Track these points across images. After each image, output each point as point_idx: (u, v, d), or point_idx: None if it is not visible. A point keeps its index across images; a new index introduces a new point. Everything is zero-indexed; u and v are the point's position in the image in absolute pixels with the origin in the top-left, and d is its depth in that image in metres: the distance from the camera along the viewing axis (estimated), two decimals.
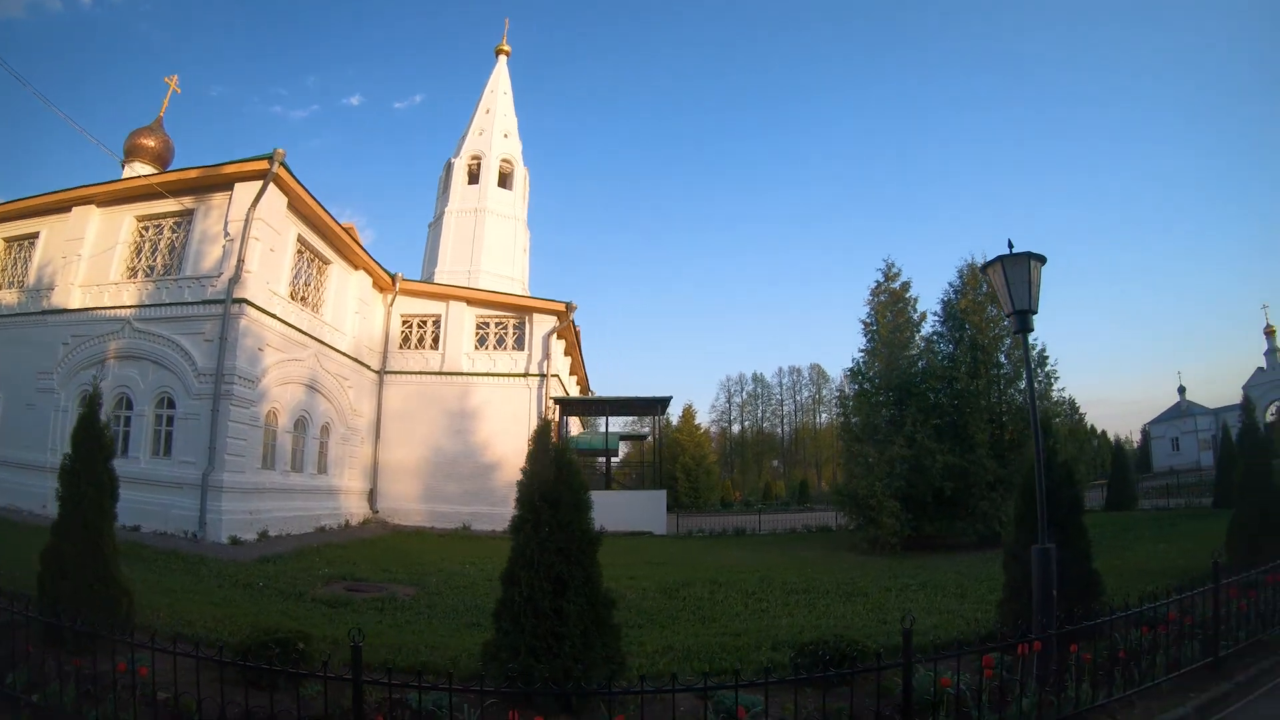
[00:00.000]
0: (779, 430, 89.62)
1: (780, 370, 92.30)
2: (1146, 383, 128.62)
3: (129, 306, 19.67)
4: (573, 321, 30.03)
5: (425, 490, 26.42)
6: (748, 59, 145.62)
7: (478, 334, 29.08)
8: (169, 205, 20.19)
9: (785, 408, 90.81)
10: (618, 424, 42.15)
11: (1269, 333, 62.78)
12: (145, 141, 27.30)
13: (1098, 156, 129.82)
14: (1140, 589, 8.28)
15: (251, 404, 18.94)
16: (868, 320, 24.37)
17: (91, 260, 20.65)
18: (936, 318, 24.36)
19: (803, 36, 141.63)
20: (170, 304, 19.38)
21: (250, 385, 18.85)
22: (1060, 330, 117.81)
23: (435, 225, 37.18)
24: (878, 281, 24.50)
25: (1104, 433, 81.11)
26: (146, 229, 20.93)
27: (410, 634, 8.95)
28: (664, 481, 40.51)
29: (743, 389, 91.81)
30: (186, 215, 20.30)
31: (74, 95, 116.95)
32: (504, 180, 37.72)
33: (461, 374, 27.96)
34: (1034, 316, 7.54)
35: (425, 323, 28.92)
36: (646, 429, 41.12)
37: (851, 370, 24.85)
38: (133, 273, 20.54)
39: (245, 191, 19.37)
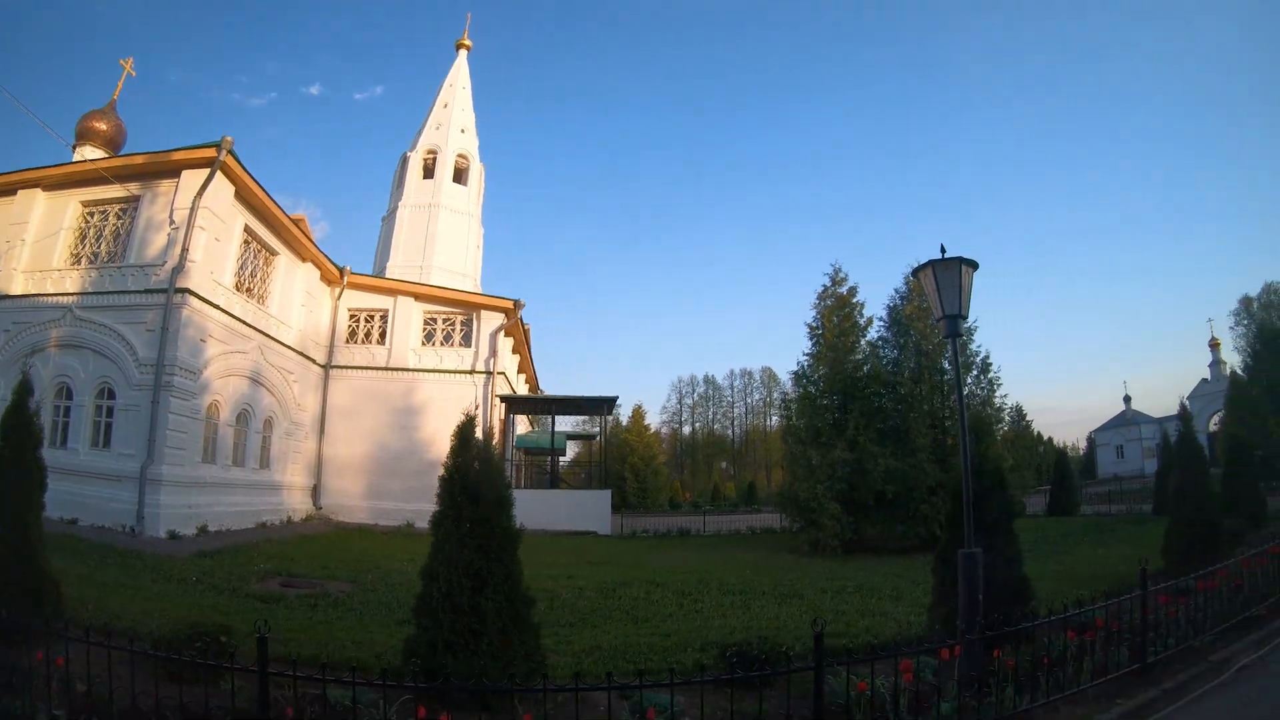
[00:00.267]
0: (730, 432, 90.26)
1: (732, 373, 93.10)
2: (1094, 391, 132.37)
3: (72, 294, 19.25)
4: (521, 319, 29.98)
5: (369, 487, 26.20)
6: (713, 62, 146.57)
7: (425, 330, 28.92)
8: (115, 191, 19.82)
9: (736, 410, 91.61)
10: (569, 424, 42.22)
11: (1213, 346, 65.01)
12: (97, 125, 26.70)
13: (1049, 171, 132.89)
14: (1075, 593, 8.26)
15: (192, 396, 18.66)
16: (813, 324, 24.60)
17: (35, 245, 20.11)
18: (882, 323, 24.80)
19: (769, 36, 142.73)
20: (113, 292, 19.01)
21: (191, 377, 18.57)
22: (1011, 339, 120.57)
23: (388, 219, 36.78)
24: (824, 286, 24.76)
25: (1050, 440, 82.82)
26: (92, 215, 20.49)
27: (340, 630, 8.94)
28: (612, 482, 40.51)
29: (694, 390, 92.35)
30: (133, 202, 19.93)
31: (25, 76, 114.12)
32: (459, 176, 37.42)
33: (408, 370, 27.78)
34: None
35: (373, 317, 28.69)
36: (596, 429, 41.17)
37: (796, 373, 25.10)
38: (77, 259, 20.10)
39: (192, 179, 19.08)
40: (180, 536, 16.93)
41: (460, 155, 37.64)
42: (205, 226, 19.04)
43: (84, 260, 20.06)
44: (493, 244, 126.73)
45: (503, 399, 29.11)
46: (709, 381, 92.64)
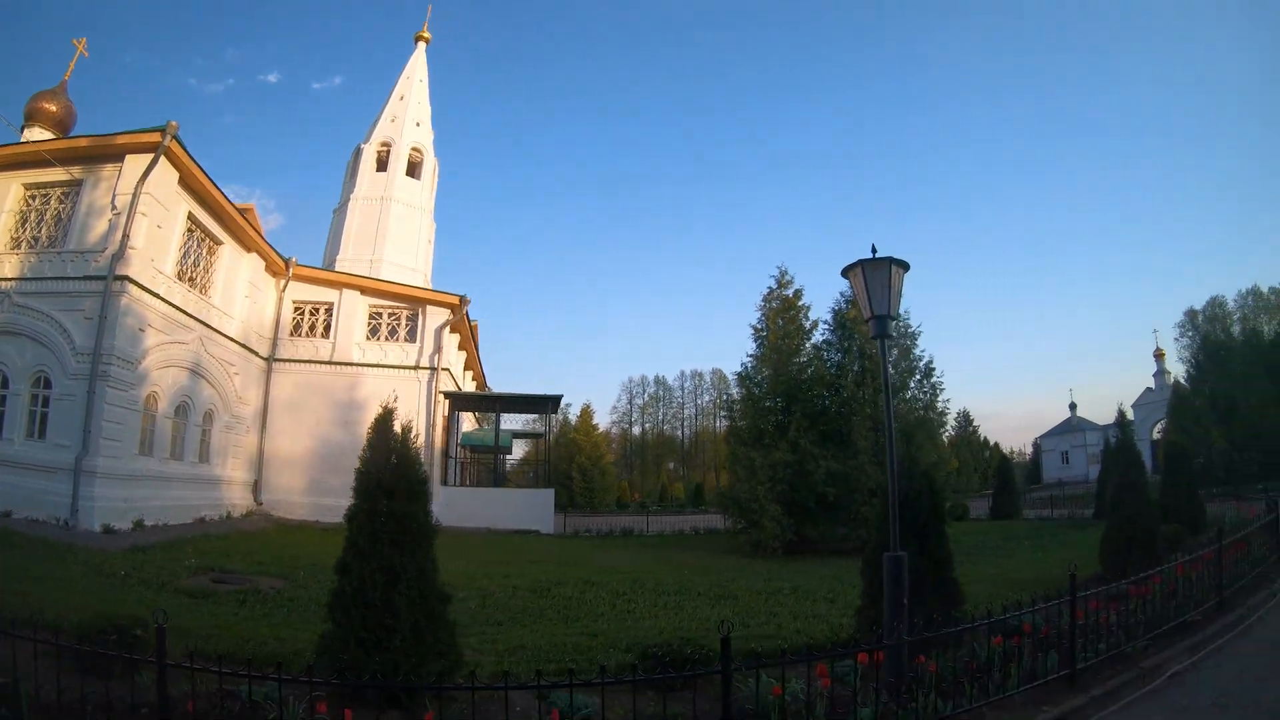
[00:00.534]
0: (679, 433, 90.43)
1: (682, 374, 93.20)
2: (1042, 399, 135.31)
3: (10, 279, 18.65)
4: (467, 315, 29.79)
5: (311, 483, 25.74)
6: (674, 61, 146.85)
7: (370, 324, 28.63)
8: (58, 174, 19.28)
9: (686, 411, 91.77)
10: (518, 422, 41.94)
11: (1158, 356, 66.93)
12: (46, 106, 25.90)
13: (1000, 182, 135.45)
14: (1012, 597, 8.59)
15: (130, 386, 18.22)
16: (758, 326, 24.80)
17: None
18: (827, 326, 25.00)
19: (732, 36, 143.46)
20: (52, 278, 18.48)
21: (129, 367, 18.13)
22: (961, 345, 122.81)
23: (340, 211, 36.33)
24: (770, 288, 24.97)
25: (996, 445, 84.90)
26: (34, 198, 19.89)
27: (265, 626, 8.85)
28: (559, 481, 40.49)
29: (644, 391, 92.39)
30: (75, 186, 19.40)
31: None
32: (413, 169, 37.11)
33: (352, 364, 27.47)
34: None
35: (318, 310, 28.27)
36: (544, 428, 41.08)
37: (740, 374, 25.26)
38: (16, 243, 19.48)
39: (136, 164, 18.62)
40: (115, 531, 16.54)
41: (414, 149, 37.31)
42: (147, 213, 18.60)
43: (24, 244, 19.48)
44: (446, 241, 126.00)
45: (446, 395, 28.93)
46: (659, 382, 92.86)
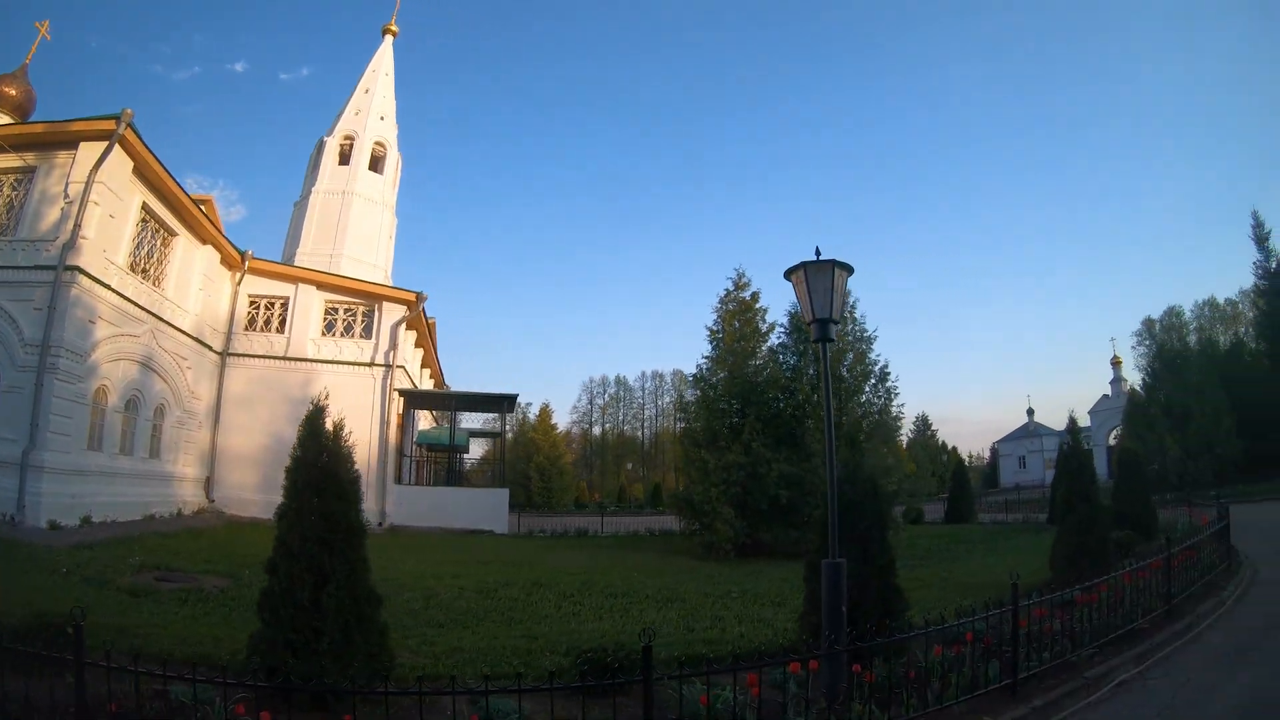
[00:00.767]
0: (640, 434, 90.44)
1: (643, 374, 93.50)
2: (1000, 404, 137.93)
3: None
4: (424, 312, 29.59)
5: (264, 480, 24.94)
6: (645, 58, 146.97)
7: (326, 319, 28.31)
8: (12, 161, 18.77)
9: (647, 411, 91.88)
10: (477, 421, 41.76)
11: (1115, 364, 68.39)
12: (6, 90, 25.08)
13: (967, 193, 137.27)
14: (959, 602, 8.48)
15: (79, 380, 17.83)
16: (714, 328, 24.83)
17: None
18: (784, 329, 25.09)
19: (704, 39, 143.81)
20: (2, 267, 18.01)
21: (78, 359, 17.76)
22: (920, 350, 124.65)
23: (301, 204, 35.60)
24: (727, 290, 25.02)
25: (954, 449, 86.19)
26: None
27: (204, 625, 8.75)
28: (517, 481, 40.20)
29: (605, 391, 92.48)
30: (29, 173, 18.96)
31: None
32: (375, 164, 36.49)
33: (306, 360, 27.09)
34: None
35: (273, 304, 27.86)
36: (507, 427, 40.85)
37: (695, 376, 25.31)
38: None
39: (90, 152, 18.27)
40: (61, 527, 16.24)
41: (378, 143, 36.75)
42: (100, 202, 18.27)
43: None
44: (410, 238, 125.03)
45: (402, 393, 28.70)
46: (620, 383, 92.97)
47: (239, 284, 26.94)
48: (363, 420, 26.10)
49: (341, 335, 28.18)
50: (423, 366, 36.72)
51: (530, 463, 60.79)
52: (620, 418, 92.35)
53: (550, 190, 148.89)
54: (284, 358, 26.89)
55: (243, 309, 27.21)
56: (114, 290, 19.19)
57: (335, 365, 27.33)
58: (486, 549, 20.88)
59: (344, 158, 35.81)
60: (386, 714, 4.87)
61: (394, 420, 27.92)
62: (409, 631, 8.99)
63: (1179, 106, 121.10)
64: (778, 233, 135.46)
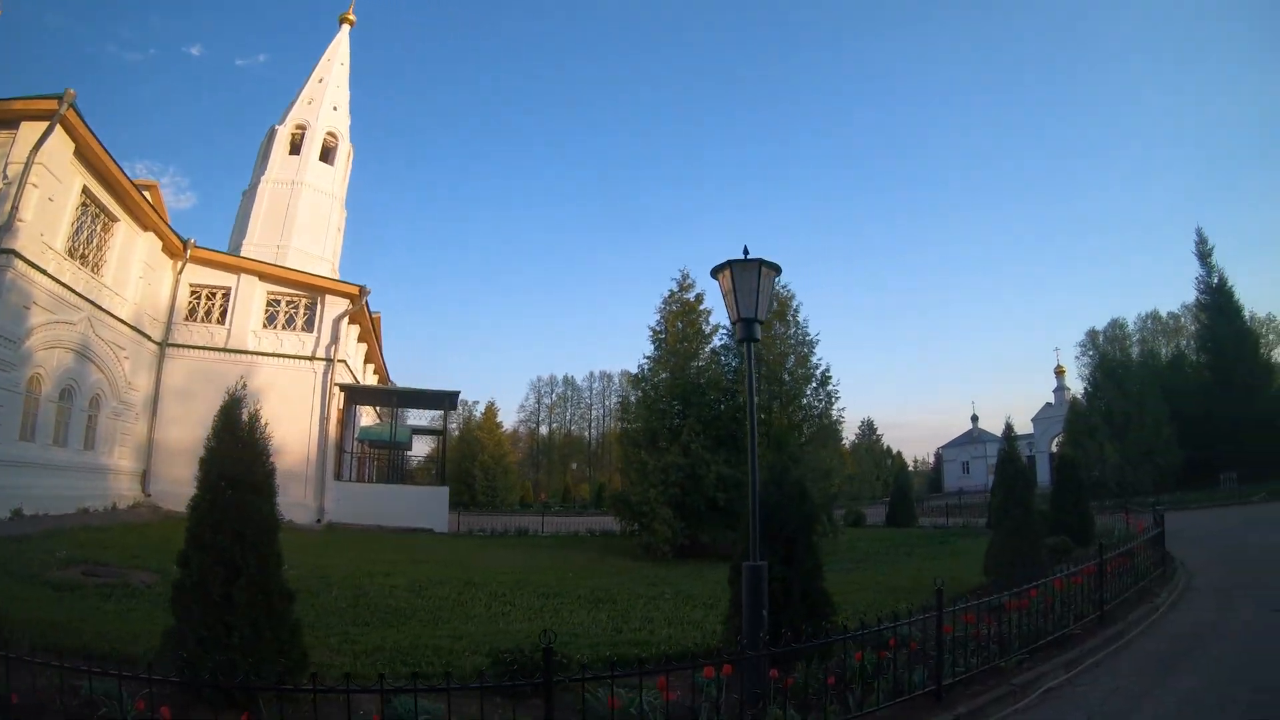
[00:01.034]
0: (587, 434, 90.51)
1: (591, 375, 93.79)
2: (947, 410, 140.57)
3: None
4: (367, 306, 29.33)
5: None
6: (602, 53, 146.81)
7: (268, 311, 27.86)
8: None
9: (594, 412, 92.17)
10: (425, 418, 41.42)
11: (1059, 373, 70.06)
12: None
13: (918, 200, 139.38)
14: (892, 606, 8.51)
15: (11, 367, 17.40)
16: (657, 328, 24.87)
17: None
18: (726, 331, 24.88)
19: (662, 35, 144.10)
20: None
21: (11, 347, 17.34)
22: (867, 355, 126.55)
23: (249, 194, 34.98)
24: (671, 291, 25.14)
25: (899, 453, 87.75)
26: None
27: (128, 621, 8.62)
28: (461, 479, 39.82)
29: (553, 391, 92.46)
30: None
31: None
32: (326, 155, 36.05)
33: (247, 352, 26.59)
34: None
35: (215, 295, 27.30)
36: (452, 424, 40.58)
37: (636, 376, 25.37)
38: None
39: (30, 132, 17.76)
40: None
41: (330, 133, 36.31)
42: (38, 184, 17.83)
43: None
44: (358, 233, 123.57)
45: (343, 388, 28.37)
46: (568, 382, 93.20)
47: (180, 273, 26.35)
48: (302, 415, 25.93)
49: (283, 328, 27.78)
50: (366, 362, 36.33)
51: (475, 461, 60.45)
52: (568, 417, 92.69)
53: (504, 189, 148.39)
54: (224, 349, 26.40)
55: (184, 299, 26.63)
56: (51, 276, 18.75)
57: (276, 358, 26.96)
58: (423, 547, 20.76)
59: (295, 147, 35.34)
60: (281, 713, 4.88)
61: (334, 415, 27.60)
62: (333, 629, 8.96)
63: (1127, 123, 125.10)
64: (727, 234, 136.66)
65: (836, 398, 24.56)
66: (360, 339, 33.20)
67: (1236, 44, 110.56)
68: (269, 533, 5.96)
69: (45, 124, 17.71)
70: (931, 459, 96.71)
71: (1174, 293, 77.04)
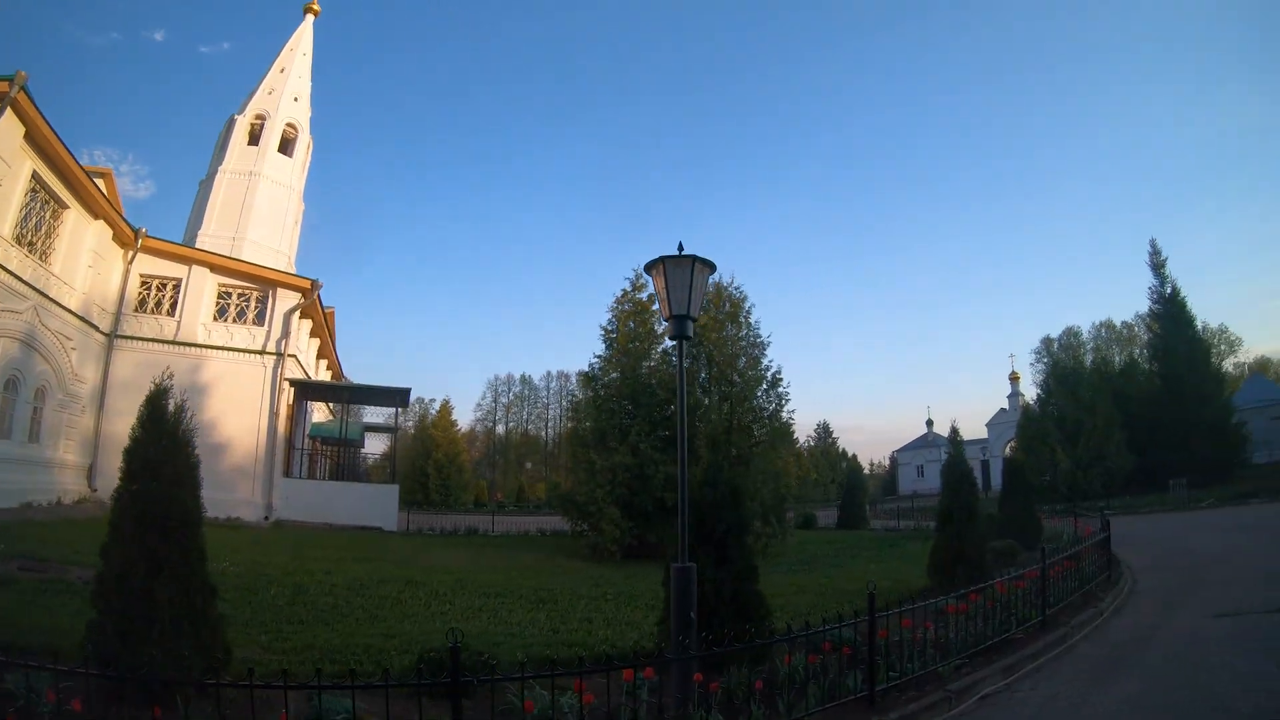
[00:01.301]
0: (543, 433, 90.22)
1: (549, 374, 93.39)
2: (904, 413, 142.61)
3: None
4: (319, 300, 29.12)
5: None
6: (573, 50, 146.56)
7: (219, 304, 27.54)
8: None
9: (551, 411, 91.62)
10: (381, 416, 41.14)
11: (1013, 379, 71.44)
12: None
13: (880, 204, 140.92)
14: (834, 609, 8.35)
15: None
16: (608, 327, 24.83)
17: None
18: None
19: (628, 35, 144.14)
20: None
21: None
22: (827, 359, 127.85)
23: (206, 184, 34.35)
24: (624, 290, 25.08)
25: (855, 456, 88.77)
26: None
27: (60, 616, 8.57)
28: (415, 478, 39.37)
29: (510, 390, 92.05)
30: None
31: None
32: (285, 146, 35.60)
33: (196, 345, 26.29)
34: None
35: (165, 286, 26.90)
36: (405, 421, 40.35)
37: (586, 375, 25.32)
38: None
39: None
40: None
41: (290, 124, 35.86)
42: None
43: None
44: (316, 228, 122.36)
45: (293, 383, 28.10)
46: (525, 381, 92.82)
47: (131, 263, 25.91)
48: (251, 410, 25.71)
49: (234, 321, 27.46)
50: (320, 358, 36.00)
51: (429, 459, 60.09)
52: (525, 416, 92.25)
53: (466, 186, 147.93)
54: (174, 342, 25.98)
55: (134, 289, 26.20)
56: None
57: (225, 352, 26.64)
58: (371, 545, 20.62)
59: (254, 138, 34.85)
60: (186, 710, 4.90)
61: (284, 411, 27.34)
62: (266, 627, 8.95)
63: (1086, 135, 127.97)
64: (691, 233, 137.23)
65: (787, 399, 24.77)
66: (313, 334, 32.91)
67: (1190, 64, 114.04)
68: (192, 526, 5.92)
69: None
70: (888, 462, 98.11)
71: (1129, 303, 78.96)
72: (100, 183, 23.25)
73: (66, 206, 21.96)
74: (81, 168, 21.55)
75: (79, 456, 23.56)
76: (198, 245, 29.96)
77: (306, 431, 32.32)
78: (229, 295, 27.75)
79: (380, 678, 4.97)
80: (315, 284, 27.93)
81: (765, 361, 24.73)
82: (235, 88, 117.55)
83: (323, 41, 44.58)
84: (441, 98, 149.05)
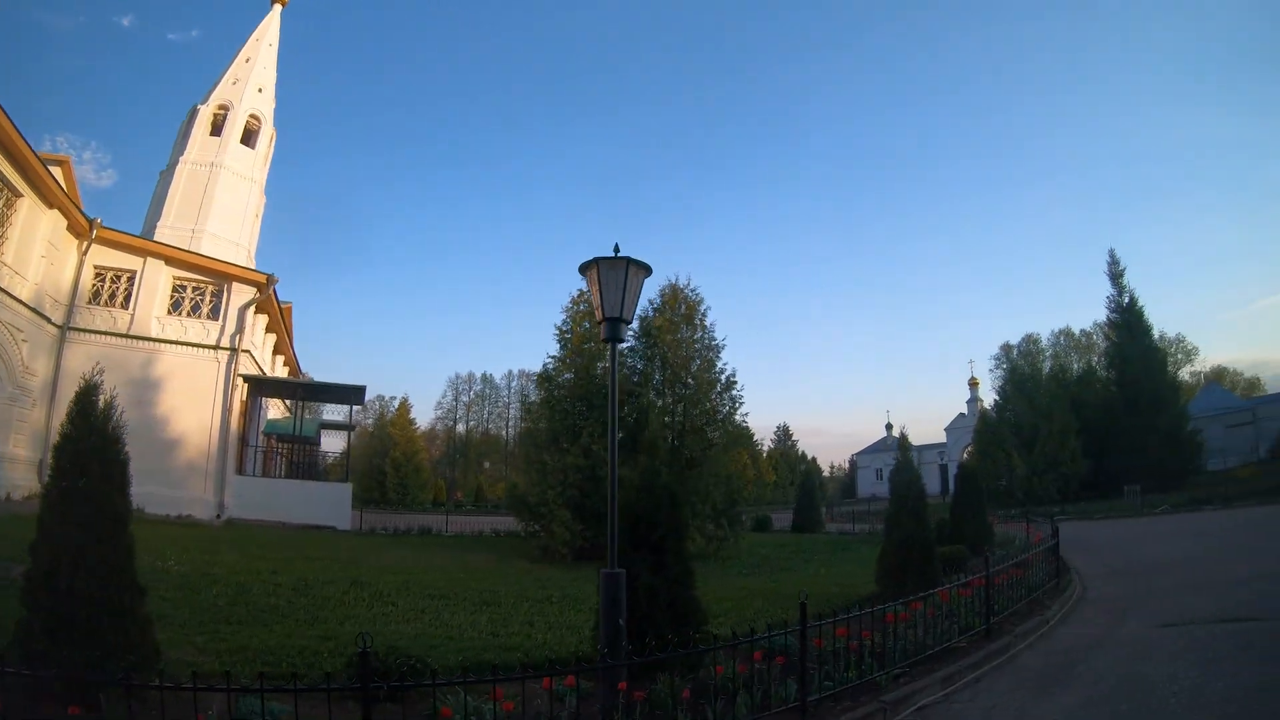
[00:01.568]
0: (504, 432, 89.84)
1: (509, 373, 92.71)
2: (866, 417, 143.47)
3: None
4: (275, 295, 28.92)
5: None
6: (549, 50, 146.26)
7: (173, 297, 27.22)
8: None
9: (512, 410, 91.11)
10: (341, 413, 40.81)
11: (972, 385, 72.60)
12: None
13: (844, 209, 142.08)
14: (785, 614, 8.31)
15: None
16: (563, 327, 24.64)
17: None
18: (633, 334, 24.74)
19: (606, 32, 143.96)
20: None
21: None
22: (786, 362, 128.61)
23: (166, 174, 33.94)
24: (580, 290, 24.79)
25: (814, 459, 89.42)
26: None
27: None
28: (373, 476, 39.05)
29: (470, 389, 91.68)
30: None
31: None
32: (249, 138, 35.29)
33: (150, 339, 25.94)
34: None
35: (120, 278, 26.53)
36: (367, 420, 40.15)
37: (540, 375, 25.25)
38: None
39: None
40: None
41: (253, 116, 35.55)
42: None
43: None
44: (278, 222, 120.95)
45: (247, 379, 27.88)
46: (486, 380, 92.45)
47: (85, 254, 25.48)
48: (204, 406, 25.44)
49: (188, 314, 27.16)
50: (276, 353, 35.70)
51: (387, 458, 59.70)
52: (485, 415, 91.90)
53: (434, 183, 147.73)
54: (127, 335, 25.66)
55: (87, 281, 25.79)
56: None
57: (179, 346, 26.32)
58: (321, 545, 20.44)
59: (216, 128, 34.51)
60: (101, 710, 4.92)
61: (237, 407, 27.09)
62: (203, 627, 8.89)
63: (1047, 146, 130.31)
64: (666, 234, 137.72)
65: (741, 402, 24.89)
66: (269, 329, 32.64)
67: (1151, 77, 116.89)
68: (119, 523, 5.87)
69: None
70: (848, 465, 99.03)
71: (1088, 312, 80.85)
72: (56, 171, 22.91)
73: (20, 195, 21.60)
74: (37, 155, 21.23)
75: (30, 451, 23.04)
76: (156, 237, 29.62)
77: (261, 428, 32.02)
78: (184, 288, 27.43)
79: (302, 681, 5.02)
80: (271, 279, 27.69)
81: (720, 364, 24.86)
82: (202, 77, 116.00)
83: (289, 34, 44.19)
84: (409, 94, 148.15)
